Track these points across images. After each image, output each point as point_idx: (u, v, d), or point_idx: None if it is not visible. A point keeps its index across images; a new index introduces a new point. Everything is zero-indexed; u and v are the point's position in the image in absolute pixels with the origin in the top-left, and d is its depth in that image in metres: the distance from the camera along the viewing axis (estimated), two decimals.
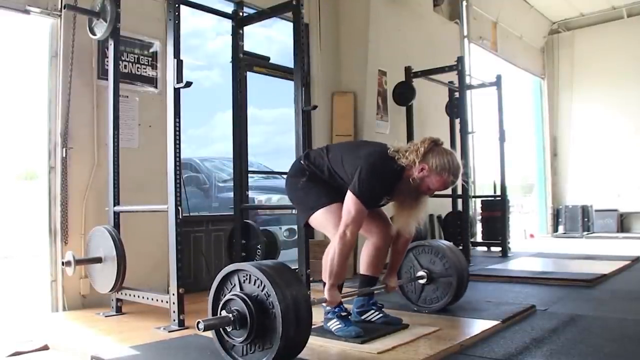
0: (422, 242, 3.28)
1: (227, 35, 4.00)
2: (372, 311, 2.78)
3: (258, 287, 2.06)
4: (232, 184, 4.02)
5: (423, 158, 2.44)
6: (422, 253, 3.23)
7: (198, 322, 1.99)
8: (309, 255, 3.54)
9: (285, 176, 2.88)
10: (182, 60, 2.92)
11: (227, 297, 2.11)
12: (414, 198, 2.51)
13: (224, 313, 2.10)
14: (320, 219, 2.59)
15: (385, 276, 2.86)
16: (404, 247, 2.84)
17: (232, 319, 2.04)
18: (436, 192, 2.55)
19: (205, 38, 7.49)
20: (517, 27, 9.32)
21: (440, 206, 6.66)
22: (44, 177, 3.50)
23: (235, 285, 2.14)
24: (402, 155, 2.48)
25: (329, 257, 2.45)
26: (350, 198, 2.43)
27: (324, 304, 2.62)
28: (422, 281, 3.19)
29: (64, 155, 3.45)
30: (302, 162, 2.72)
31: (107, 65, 3.43)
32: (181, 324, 2.85)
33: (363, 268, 2.81)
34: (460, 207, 5.86)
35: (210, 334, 2.64)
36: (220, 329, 2.14)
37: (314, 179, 2.66)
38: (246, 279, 2.11)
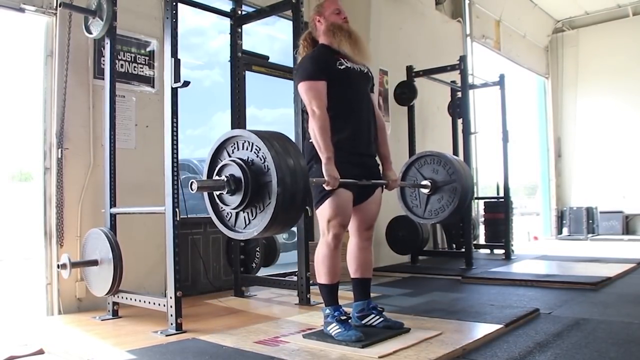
0: (425, 153, 3.29)
1: (228, 34, 3.96)
2: (373, 315, 2.73)
3: (251, 151, 2.08)
4: None
5: (307, 30, 2.85)
6: (425, 164, 3.23)
7: (191, 182, 2.01)
8: (309, 257, 3.50)
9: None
10: (179, 59, 2.90)
11: (222, 163, 2.13)
12: (343, 35, 2.75)
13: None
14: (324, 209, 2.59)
15: (383, 171, 2.81)
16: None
17: (226, 180, 2.06)
18: None
19: (207, 36, 7.45)
20: (521, 26, 9.26)
21: None
22: (39, 178, 3.46)
23: (229, 152, 2.17)
24: (304, 42, 2.83)
25: (312, 137, 2.53)
26: (300, 87, 2.59)
27: (324, 307, 2.61)
28: (425, 191, 3.17)
29: (60, 156, 3.41)
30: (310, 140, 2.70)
31: (104, 65, 3.40)
32: (178, 328, 2.82)
33: (352, 271, 2.78)
34: None
35: (208, 337, 2.62)
36: (217, 200, 2.16)
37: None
38: (235, 146, 2.15)
